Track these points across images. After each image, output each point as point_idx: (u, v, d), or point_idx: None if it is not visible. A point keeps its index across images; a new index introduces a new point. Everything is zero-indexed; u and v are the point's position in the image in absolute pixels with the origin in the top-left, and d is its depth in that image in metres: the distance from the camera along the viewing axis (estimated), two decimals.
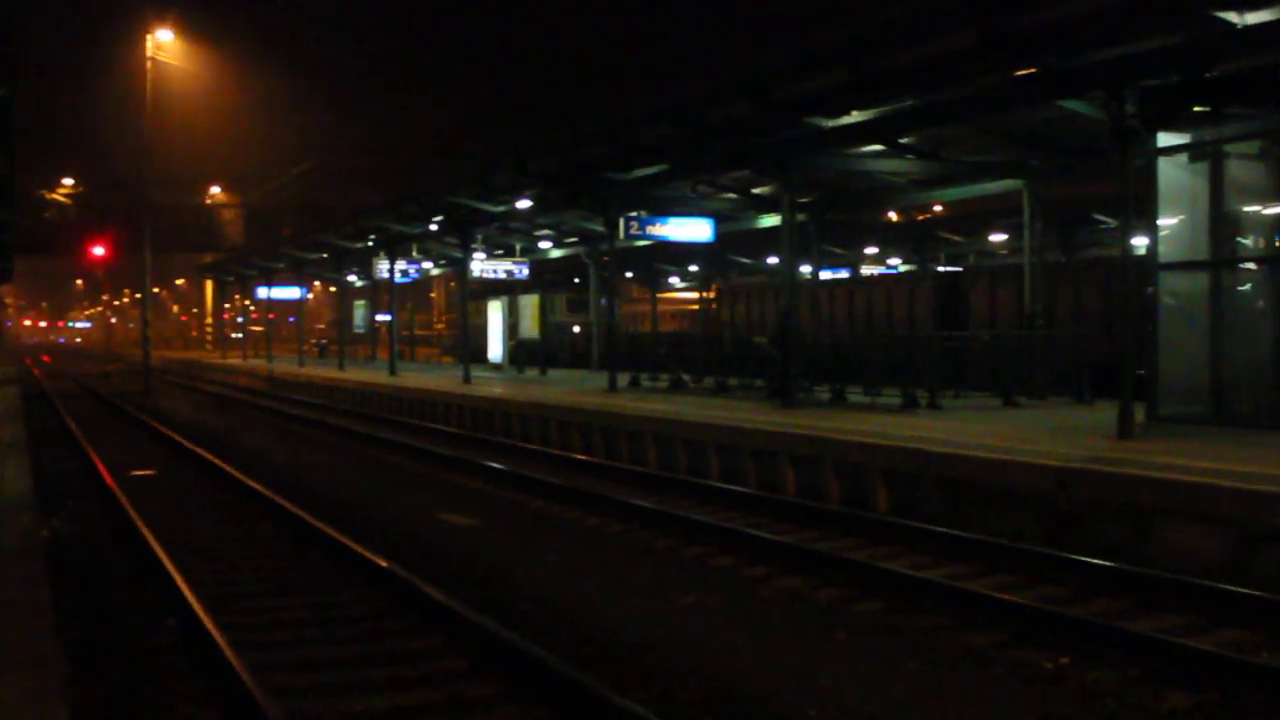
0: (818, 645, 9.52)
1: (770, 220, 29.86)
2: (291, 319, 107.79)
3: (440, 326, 70.84)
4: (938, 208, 50.06)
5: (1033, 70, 17.16)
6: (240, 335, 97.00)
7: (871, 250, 46.64)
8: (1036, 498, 13.18)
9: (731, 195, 30.25)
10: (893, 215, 52.38)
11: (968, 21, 16.45)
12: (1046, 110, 19.33)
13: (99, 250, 67.68)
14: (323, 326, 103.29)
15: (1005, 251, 43.13)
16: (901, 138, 22.93)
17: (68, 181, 79.15)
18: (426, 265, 50.56)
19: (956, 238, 41.99)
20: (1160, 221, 17.51)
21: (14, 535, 10.88)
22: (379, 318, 64.42)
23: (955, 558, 12.49)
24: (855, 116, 20.83)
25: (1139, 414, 16.39)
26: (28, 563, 9.61)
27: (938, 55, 17.51)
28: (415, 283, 59.80)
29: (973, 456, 14.21)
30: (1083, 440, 15.40)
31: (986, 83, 18.16)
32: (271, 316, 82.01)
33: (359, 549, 12.32)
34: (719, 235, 30.08)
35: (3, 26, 14.00)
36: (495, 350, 42.51)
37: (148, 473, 20.78)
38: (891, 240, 46.34)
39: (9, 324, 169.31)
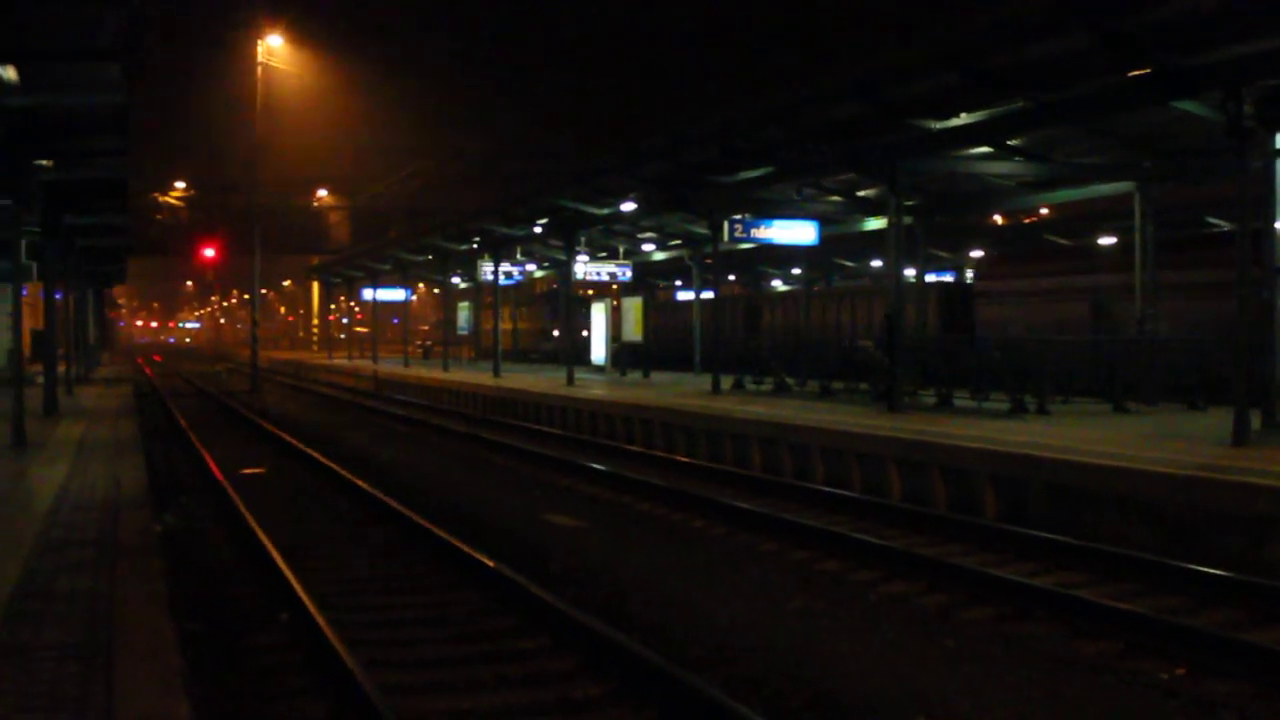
0: (926, 652, 9.43)
1: (875, 223, 29.64)
2: (395, 320, 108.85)
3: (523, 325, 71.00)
4: (1044, 210, 49.42)
5: (1147, 70, 16.87)
6: (344, 336, 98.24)
7: (977, 253, 46.11)
8: (1150, 505, 12.94)
9: (836, 198, 30.06)
10: (998, 218, 51.72)
11: (1080, 21, 16.23)
12: (1160, 111, 18.99)
13: (209, 252, 69.02)
14: (426, 328, 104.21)
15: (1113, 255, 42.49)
16: (1011, 139, 22.66)
17: (179, 185, 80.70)
18: (530, 267, 50.85)
19: (1065, 240, 41.37)
20: (1279, 225, 17.13)
21: (131, 531, 11.09)
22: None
23: (1066, 565, 12.31)
24: (964, 118, 20.63)
25: (1255, 421, 16.06)
26: (144, 558, 9.78)
27: (1049, 56, 17.30)
28: (518, 284, 60.10)
29: (1084, 463, 13.99)
30: (1197, 447, 15.13)
31: (1098, 83, 17.90)
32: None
33: (466, 548, 12.41)
34: (822, 238, 29.90)
35: (125, 36, 14.27)
36: (598, 352, 42.62)
37: (258, 470, 21.10)
38: (997, 243, 45.76)
39: (121, 324, 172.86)
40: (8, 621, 7.57)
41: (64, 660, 6.70)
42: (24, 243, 21.02)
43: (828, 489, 17.35)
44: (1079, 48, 16.78)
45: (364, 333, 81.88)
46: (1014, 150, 23.42)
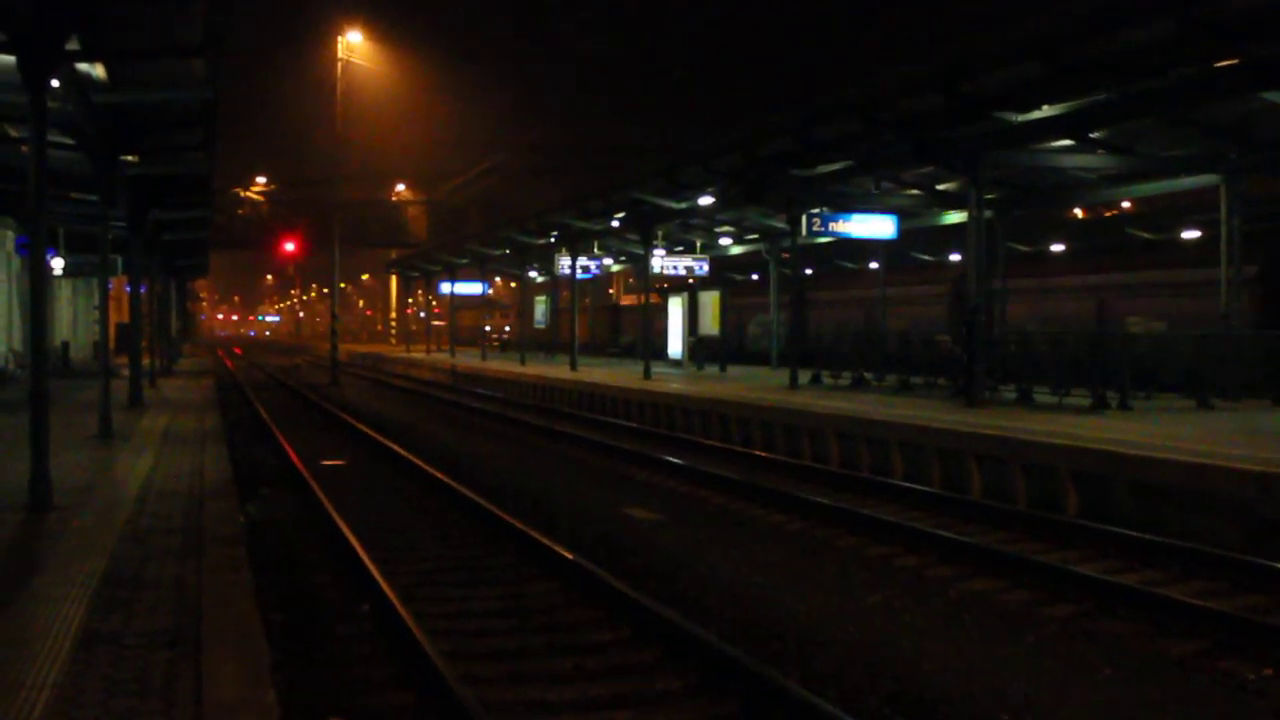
0: (1008, 649, 9.34)
1: (954, 217, 29.44)
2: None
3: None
4: (1126, 204, 48.82)
5: (1234, 60, 16.60)
6: (417, 329, 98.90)
7: (1058, 247, 45.62)
8: (1236, 503, 12.74)
9: (915, 191, 29.88)
10: (1078, 212, 51.15)
11: (1166, 9, 16.00)
12: (1247, 102, 18.71)
13: (289, 246, 69.80)
14: (499, 323, 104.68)
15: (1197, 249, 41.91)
16: (1093, 132, 22.40)
17: (261, 179, 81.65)
18: (607, 261, 50.96)
19: (1147, 234, 40.87)
20: None
21: (215, 520, 11.23)
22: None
23: (1150, 563, 12.16)
24: (1046, 110, 20.41)
25: None
26: (229, 547, 9.90)
27: (1134, 45, 17.08)
28: (594, 278, 60.25)
29: (1168, 460, 13.79)
30: None
31: (1184, 74, 17.64)
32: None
33: (545, 541, 12.45)
34: (900, 231, 29.71)
35: (209, 33, 14.46)
36: (675, 346, 42.61)
37: (338, 462, 21.29)
38: (1078, 237, 45.25)
39: (202, 317, 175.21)
40: (98, 609, 7.69)
41: (153, 648, 6.79)
42: (109, 237, 21.29)
43: (906, 484, 17.24)
44: (1164, 37, 16.55)
45: (441, 325, 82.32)
46: (1096, 143, 23.17)
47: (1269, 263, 28.17)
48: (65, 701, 5.83)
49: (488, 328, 73.23)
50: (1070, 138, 22.44)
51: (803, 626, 9.87)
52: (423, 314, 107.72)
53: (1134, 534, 12.89)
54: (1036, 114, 20.60)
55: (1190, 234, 38.99)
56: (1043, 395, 22.52)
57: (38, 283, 12.34)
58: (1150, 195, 30.86)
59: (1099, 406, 20.76)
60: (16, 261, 36.71)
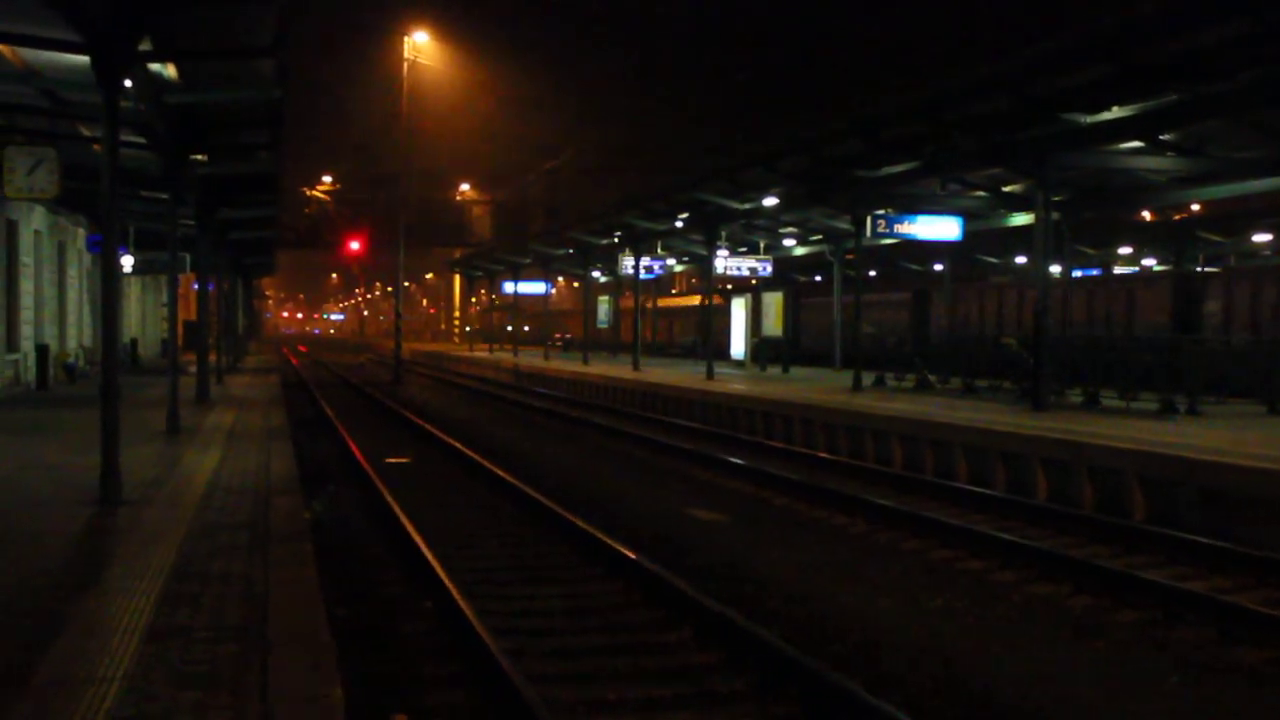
0: (1074, 655, 9.26)
1: (1021, 219, 29.16)
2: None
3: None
4: (1195, 206, 48.25)
5: None
6: (481, 327, 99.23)
7: (1125, 250, 45.18)
8: None
9: (981, 193, 29.64)
10: (1146, 214, 50.65)
11: (1241, 9, 15.79)
12: None
13: (354, 245, 70.28)
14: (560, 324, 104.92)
15: (1269, 253, 41.39)
16: (1164, 133, 22.12)
17: (327, 179, 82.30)
18: (670, 261, 50.92)
19: (1216, 238, 40.38)
20: None
21: (281, 516, 11.32)
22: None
23: (1219, 570, 11.99)
24: (1115, 112, 20.20)
25: None
26: (295, 543, 9.97)
27: (1206, 46, 16.86)
28: (658, 279, 60.26)
29: (1240, 465, 13.62)
30: None
31: (1257, 74, 17.40)
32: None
33: (607, 540, 12.47)
34: (966, 233, 29.49)
35: (280, 33, 14.57)
36: (738, 347, 42.54)
37: (402, 459, 21.42)
38: (1146, 240, 44.79)
39: (268, 315, 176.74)
40: (166, 602, 7.77)
41: (221, 642, 6.86)
42: (178, 235, 21.54)
43: (971, 487, 17.12)
44: (1238, 37, 16.33)
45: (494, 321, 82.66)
46: (1166, 144, 22.89)
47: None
48: (135, 693, 5.90)
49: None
50: (1140, 139, 22.18)
51: (865, 629, 9.83)
52: (486, 312, 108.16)
53: (1203, 540, 12.72)
54: (1106, 115, 20.40)
55: (1261, 237, 38.52)
56: (1110, 399, 22.30)
57: (109, 280, 12.50)
58: (1221, 198, 30.50)
59: (1167, 411, 20.54)
60: (87, 258, 37.19)
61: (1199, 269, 39.22)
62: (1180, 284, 33.61)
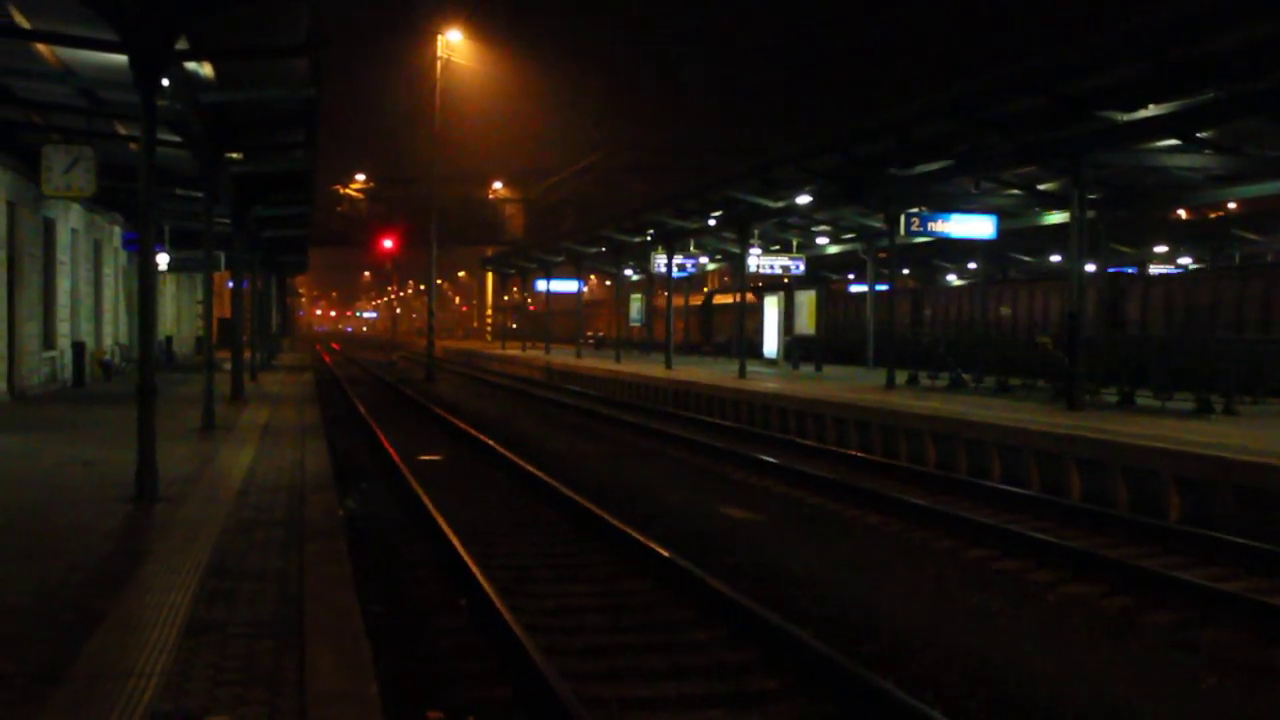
0: (1108, 655, 9.22)
1: (1056, 217, 29.07)
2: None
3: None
4: (1232, 205, 47.92)
5: None
6: (516, 326, 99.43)
7: (1161, 249, 44.91)
8: None
9: (1015, 191, 29.53)
10: (1182, 213, 50.34)
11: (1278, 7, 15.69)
12: None
13: (387, 243, 70.58)
14: (592, 322, 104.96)
15: None
16: (1200, 132, 21.99)
17: (360, 177, 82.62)
18: (703, 260, 50.90)
19: (1254, 236, 40.10)
20: None
21: (316, 513, 11.37)
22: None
23: (1255, 571, 11.93)
24: (1151, 110, 20.10)
25: None
26: (330, 540, 10.02)
27: (1244, 43, 16.76)
28: (690, 277, 60.22)
29: (1274, 465, 13.54)
30: None
31: None
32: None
33: (642, 538, 12.48)
34: (1000, 232, 29.40)
35: (315, 32, 14.65)
36: (770, 345, 42.53)
37: (435, 457, 21.49)
38: (1182, 239, 44.51)
39: (301, 313, 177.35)
40: (203, 599, 7.82)
41: (257, 638, 6.90)
42: (213, 233, 21.66)
43: (1005, 487, 17.06)
44: (1276, 35, 16.22)
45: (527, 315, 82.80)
46: (1202, 143, 22.76)
47: None
48: (173, 689, 5.94)
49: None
50: (1176, 138, 22.06)
51: (899, 629, 9.81)
52: (518, 310, 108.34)
53: (1239, 540, 12.65)
54: (1141, 113, 20.29)
55: None
56: (1145, 399, 22.19)
57: (145, 278, 12.58)
58: (1258, 196, 30.31)
59: (1203, 410, 20.43)
60: (123, 256, 37.42)
61: (1120, 273, 40.66)
62: (1107, 286, 35.08)
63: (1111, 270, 37.07)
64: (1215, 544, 12.75)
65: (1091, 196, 24.60)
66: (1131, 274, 40.76)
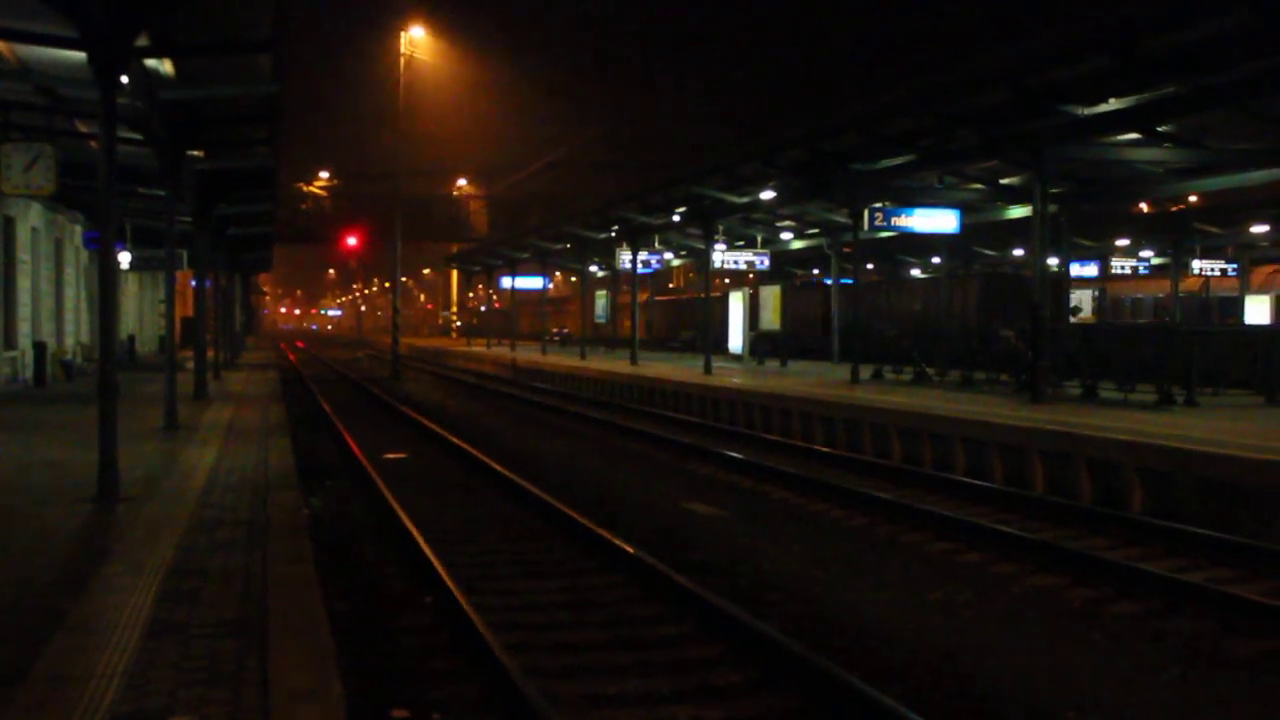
0: (1073, 646, 9.27)
1: (1019, 211, 29.18)
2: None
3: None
4: (1193, 198, 48.27)
5: None
6: (480, 323, 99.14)
7: (1122, 242, 45.20)
8: None
9: (978, 186, 29.64)
10: (1144, 206, 50.70)
11: (1240, 1, 15.78)
12: None
13: (351, 240, 70.29)
14: (558, 319, 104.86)
15: (1266, 244, 41.43)
16: (1161, 125, 22.12)
17: (324, 174, 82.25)
18: (668, 256, 50.89)
19: (1214, 229, 40.40)
20: None
21: (280, 512, 11.32)
22: None
23: (1217, 561, 12.01)
24: (1113, 103, 20.21)
25: None
26: (294, 539, 9.98)
27: (1205, 37, 16.86)
28: (655, 273, 60.21)
29: (1236, 456, 13.64)
30: None
31: (1256, 66, 17.40)
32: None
33: (607, 534, 12.48)
34: (964, 226, 29.51)
35: (277, 28, 14.57)
36: (735, 341, 42.55)
37: (400, 455, 21.42)
38: (1143, 232, 44.81)
39: (265, 311, 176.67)
40: (166, 599, 7.77)
41: (220, 637, 6.86)
42: (175, 231, 21.53)
43: (969, 480, 17.12)
44: (1237, 29, 16.33)
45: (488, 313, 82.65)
46: (1164, 136, 22.89)
47: None
48: (135, 690, 5.90)
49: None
50: (1138, 131, 22.18)
51: (865, 623, 9.83)
52: (484, 308, 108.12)
53: (1201, 531, 12.73)
54: (1104, 107, 20.41)
55: (1259, 228, 38.56)
56: (1108, 391, 22.31)
57: (106, 277, 12.49)
58: (1217, 190, 30.51)
59: (1165, 403, 20.54)
60: (85, 255, 37.18)
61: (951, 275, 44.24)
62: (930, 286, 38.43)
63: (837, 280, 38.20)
64: (1178, 535, 12.83)
65: (1054, 190, 24.73)
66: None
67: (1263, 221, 37.31)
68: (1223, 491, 13.62)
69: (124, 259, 32.90)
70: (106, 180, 11.76)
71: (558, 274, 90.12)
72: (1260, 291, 44.61)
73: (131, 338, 45.00)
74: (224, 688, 5.95)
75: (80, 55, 12.18)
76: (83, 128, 21.07)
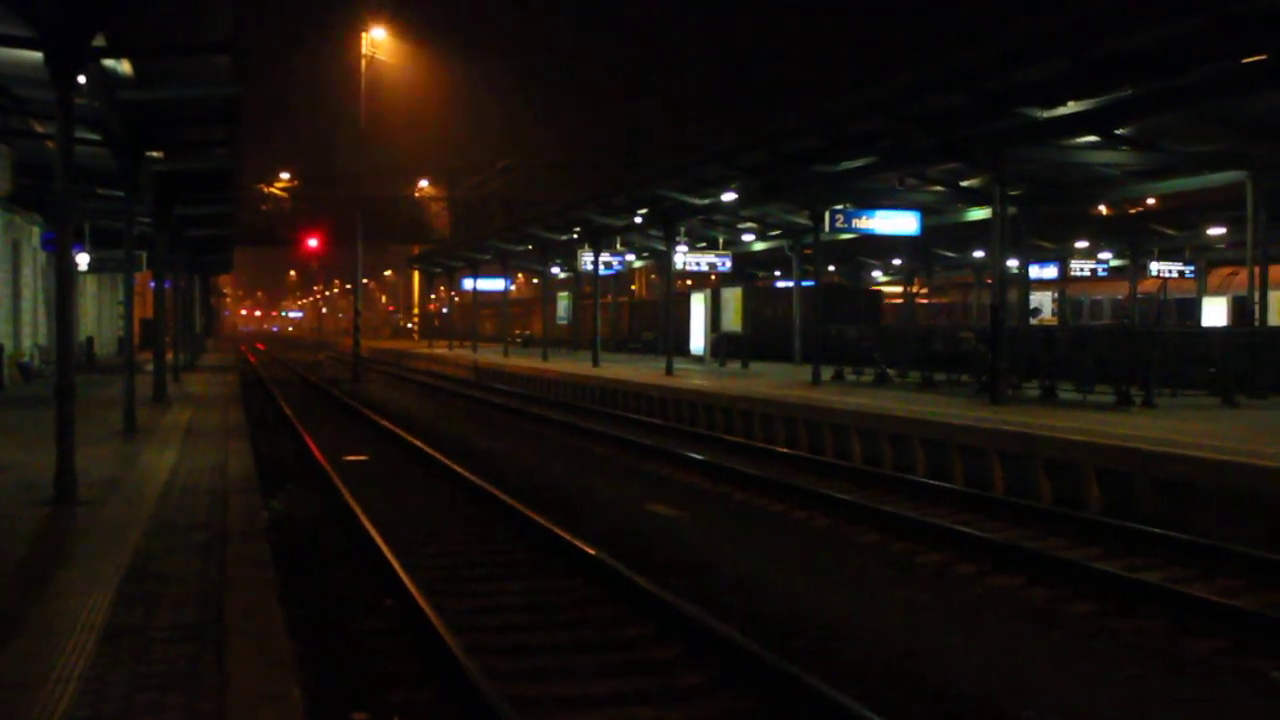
0: (1031, 646, 9.34)
1: (978, 213, 29.35)
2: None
3: None
4: (1151, 200, 48.64)
5: (1263, 56, 16.54)
6: (441, 324, 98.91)
7: (1081, 244, 45.49)
8: (1260, 500, 12.67)
9: (939, 188, 29.80)
10: (1103, 208, 51.07)
11: (1196, 5, 15.92)
12: (1274, 97, 18.61)
13: (312, 242, 69.94)
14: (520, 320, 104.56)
15: (1223, 246, 41.77)
16: (1118, 128, 22.30)
17: (284, 176, 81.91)
18: (629, 257, 50.90)
19: (1172, 231, 40.72)
20: None
21: (239, 515, 11.27)
22: None
23: (1173, 560, 12.10)
24: (1071, 106, 20.35)
25: None
26: (253, 542, 9.94)
27: (1162, 41, 17.01)
28: (617, 275, 60.19)
29: (1191, 456, 13.75)
30: None
31: (1212, 69, 17.57)
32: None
33: (568, 536, 12.47)
34: (924, 228, 29.65)
35: (234, 29, 14.51)
36: (697, 343, 42.56)
37: (360, 458, 21.35)
38: (1102, 234, 45.12)
39: (226, 313, 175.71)
40: (123, 602, 7.73)
41: (177, 641, 6.83)
42: (134, 232, 21.39)
43: (929, 481, 17.20)
44: (1193, 32, 16.48)
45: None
46: (1121, 139, 23.09)
47: None
48: (91, 694, 5.87)
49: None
50: (1095, 134, 22.35)
51: (825, 623, 9.87)
52: (445, 309, 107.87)
53: (1157, 531, 12.83)
54: (1061, 110, 20.54)
55: (1215, 230, 38.89)
56: (1067, 392, 22.45)
57: (64, 278, 12.41)
58: (1174, 192, 30.78)
59: (1123, 403, 20.68)
60: (42, 257, 36.88)
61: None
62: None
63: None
64: (1135, 535, 12.92)
65: (1013, 192, 24.90)
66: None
67: (1219, 224, 37.62)
68: (1179, 491, 13.74)
69: (82, 260, 32.67)
70: (64, 181, 11.69)
71: (520, 276, 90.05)
72: (1217, 293, 44.93)
73: (90, 340, 44.67)
74: (182, 692, 5.93)
75: (37, 55, 12.10)
76: (40, 128, 20.90)
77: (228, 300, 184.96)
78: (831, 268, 56.19)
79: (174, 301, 36.66)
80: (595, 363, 41.95)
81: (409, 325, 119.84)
